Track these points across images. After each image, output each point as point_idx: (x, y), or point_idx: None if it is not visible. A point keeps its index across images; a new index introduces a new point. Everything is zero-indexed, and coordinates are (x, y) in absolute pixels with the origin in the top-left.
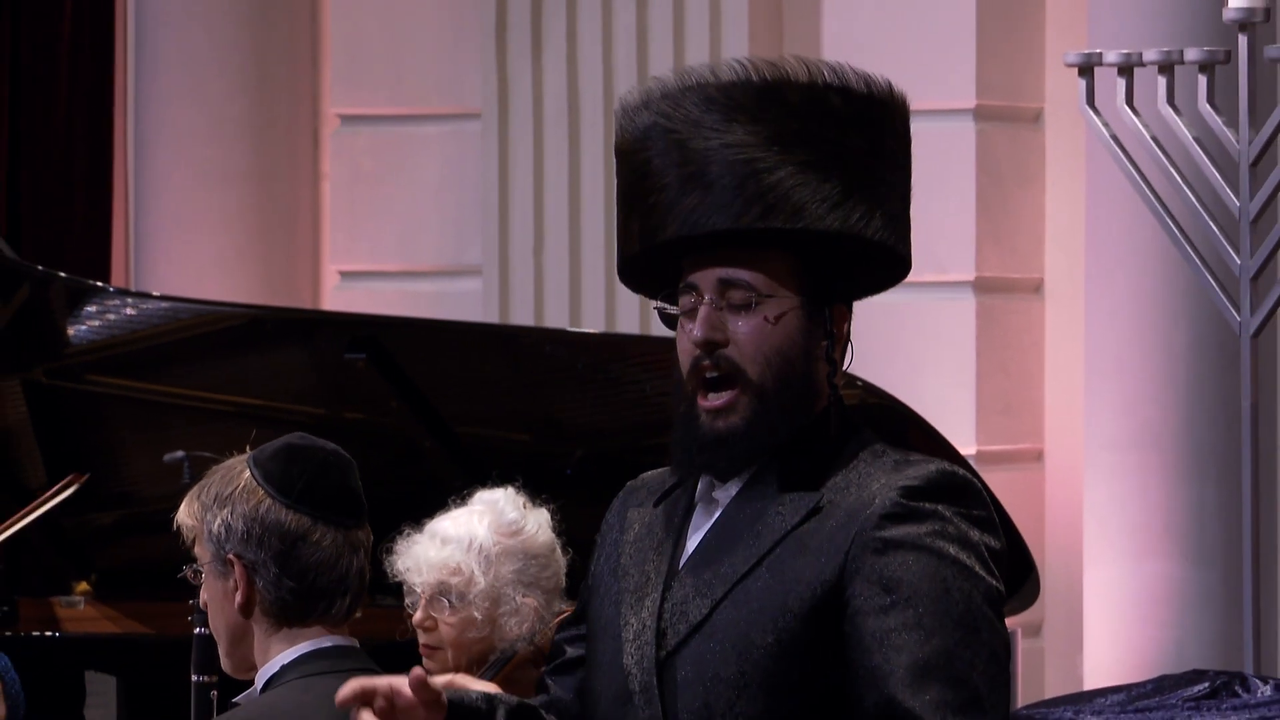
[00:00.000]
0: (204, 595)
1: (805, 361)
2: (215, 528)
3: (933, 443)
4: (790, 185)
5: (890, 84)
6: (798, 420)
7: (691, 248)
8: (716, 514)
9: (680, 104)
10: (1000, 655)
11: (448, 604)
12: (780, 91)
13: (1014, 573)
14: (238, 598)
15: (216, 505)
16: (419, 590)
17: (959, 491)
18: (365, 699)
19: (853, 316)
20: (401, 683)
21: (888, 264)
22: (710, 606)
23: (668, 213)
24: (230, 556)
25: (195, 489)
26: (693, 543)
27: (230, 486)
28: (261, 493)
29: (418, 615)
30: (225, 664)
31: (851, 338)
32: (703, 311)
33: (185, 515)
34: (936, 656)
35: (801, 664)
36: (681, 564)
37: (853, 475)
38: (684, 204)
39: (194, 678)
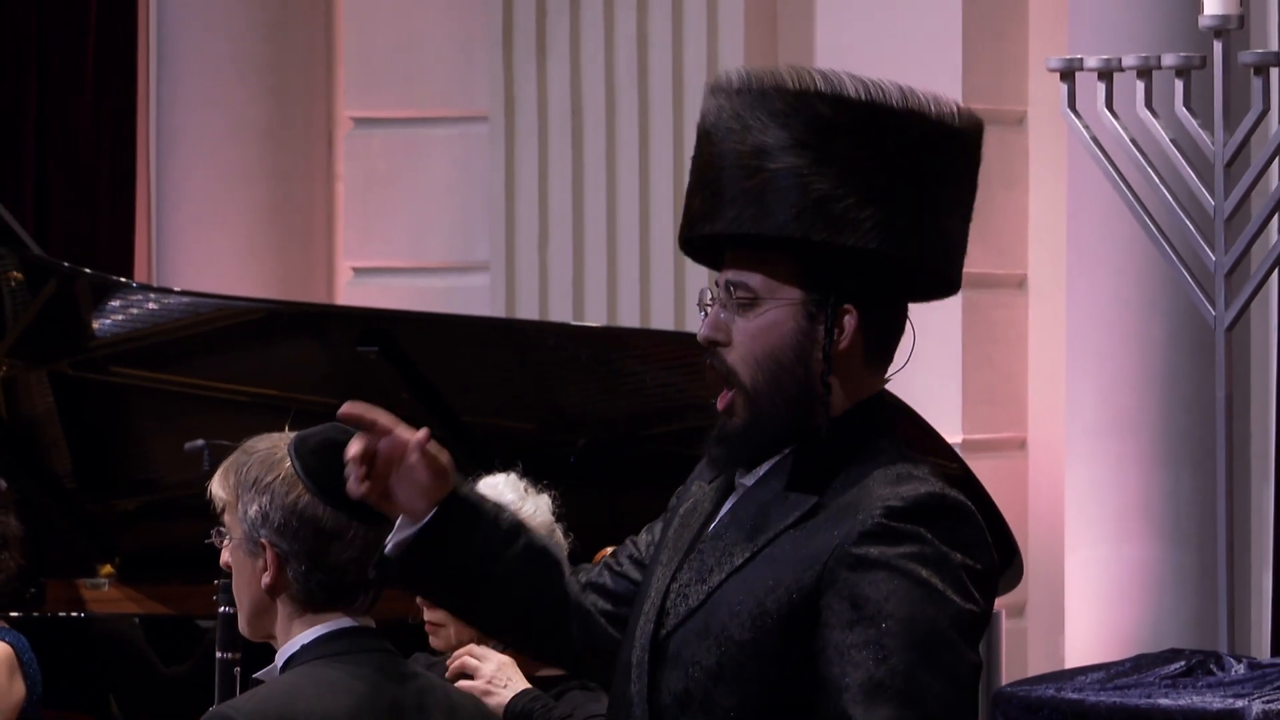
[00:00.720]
0: (225, 557)
1: (801, 363)
2: (252, 511)
3: (923, 433)
4: (780, 188)
5: (900, 92)
6: (799, 419)
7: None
8: (733, 502)
9: (725, 102)
10: (961, 679)
11: None
12: (772, 100)
13: (999, 556)
14: (265, 579)
15: (255, 490)
16: None
17: (945, 514)
18: (365, 426)
19: (907, 320)
20: (405, 435)
21: (904, 275)
22: (705, 594)
23: (686, 210)
24: (263, 542)
25: (233, 463)
26: (712, 527)
27: (271, 474)
28: (301, 487)
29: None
30: (243, 628)
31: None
32: (710, 311)
33: (219, 488)
34: (893, 677)
35: (776, 664)
36: (697, 546)
37: (855, 483)
38: (693, 205)
39: (218, 654)
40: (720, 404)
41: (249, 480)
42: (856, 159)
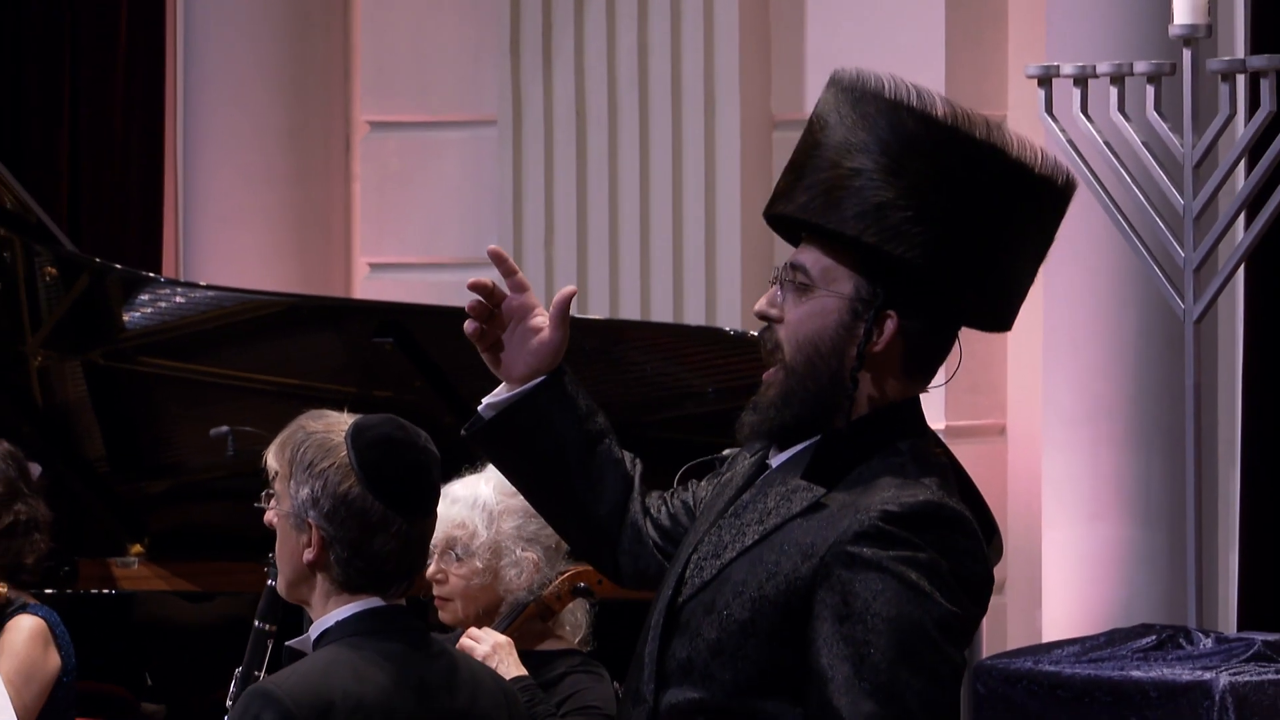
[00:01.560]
0: (270, 518)
1: (836, 355)
2: (303, 493)
3: None
4: (849, 187)
5: (986, 125)
6: (826, 407)
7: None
8: (759, 482)
9: (833, 95)
10: (942, 678)
11: (455, 556)
12: (868, 103)
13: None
14: (308, 555)
15: (309, 474)
16: (432, 546)
17: (941, 523)
18: (505, 271)
19: (955, 340)
20: (525, 307)
21: (951, 295)
22: (717, 570)
23: (776, 186)
24: (310, 522)
25: (290, 439)
26: (736, 503)
27: (326, 460)
28: (354, 478)
29: (430, 569)
30: (281, 590)
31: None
32: (773, 288)
33: (274, 459)
34: (876, 673)
35: (770, 647)
36: (719, 521)
37: (864, 481)
38: (780, 184)
39: (256, 622)
40: (764, 376)
41: (304, 462)
42: (926, 176)
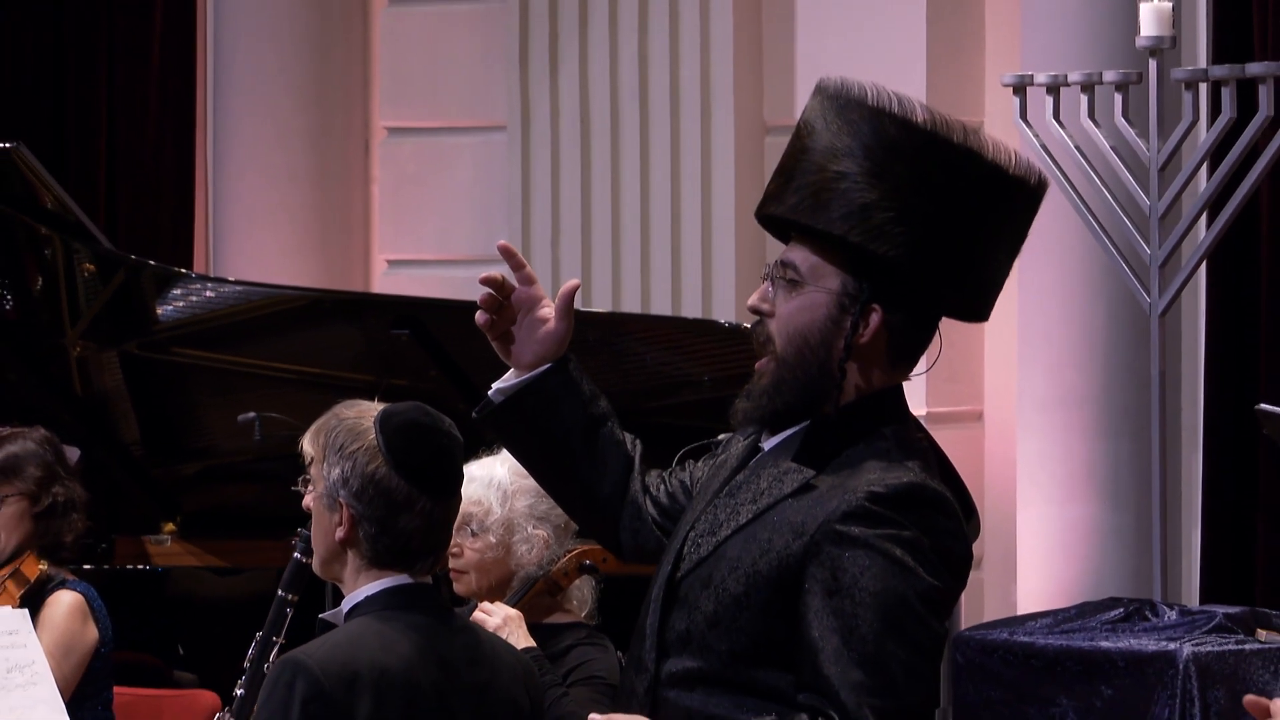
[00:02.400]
0: (308, 502)
1: (825, 346)
2: (335, 474)
3: None
4: (835, 189)
5: (963, 131)
6: (815, 395)
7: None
8: (752, 464)
9: (819, 102)
10: (924, 649)
11: (470, 532)
12: (852, 109)
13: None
14: (339, 533)
15: (340, 455)
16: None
17: (923, 504)
18: (514, 265)
19: (936, 330)
20: (533, 299)
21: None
22: (713, 547)
23: (766, 189)
24: (341, 501)
25: (324, 425)
26: (731, 483)
27: (356, 443)
28: (381, 459)
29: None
30: (316, 568)
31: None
32: (764, 284)
33: (309, 444)
34: (863, 643)
35: (763, 617)
36: (714, 500)
37: (851, 464)
38: (770, 186)
39: (279, 591)
40: (757, 366)
41: (335, 445)
42: (907, 179)
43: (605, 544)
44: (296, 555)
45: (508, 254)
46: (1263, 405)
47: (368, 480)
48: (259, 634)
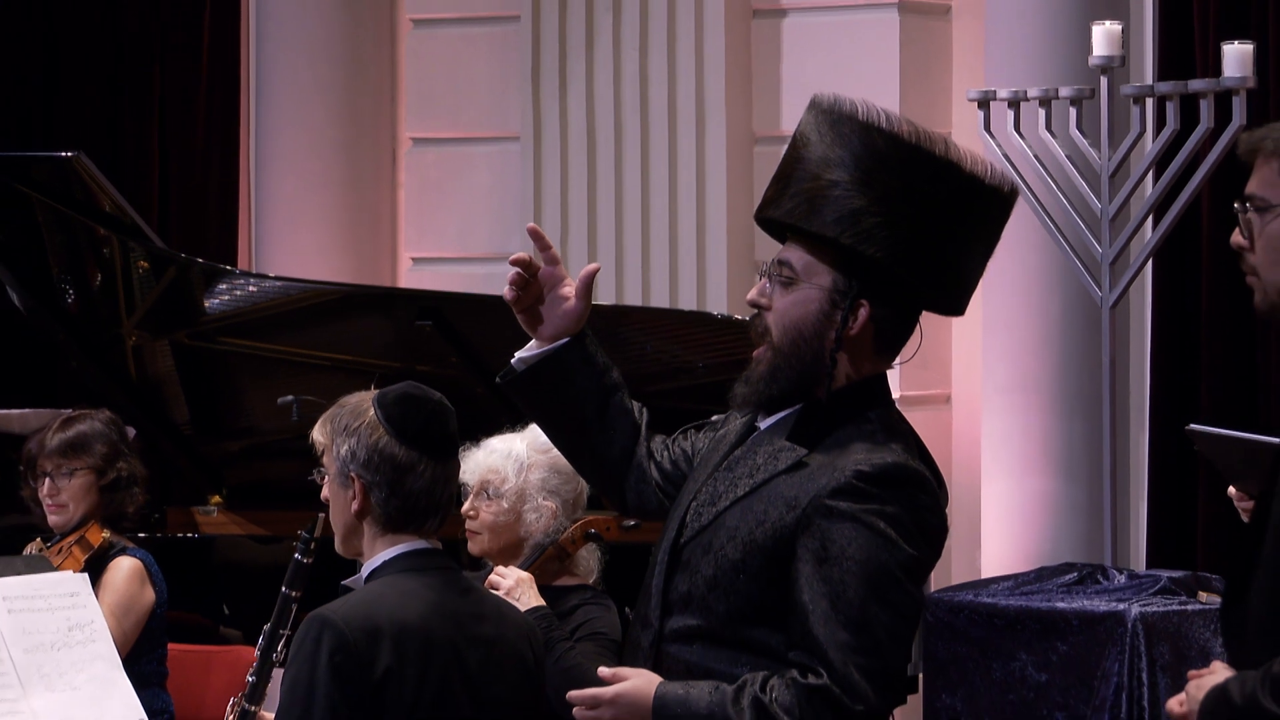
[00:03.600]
0: (326, 493)
1: (818, 337)
2: (343, 450)
3: None
4: (828, 196)
5: (944, 144)
6: (808, 382)
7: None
8: (749, 442)
9: (813, 116)
10: (905, 612)
11: (487, 496)
12: (844, 124)
13: None
14: (354, 506)
15: (345, 433)
16: (469, 484)
17: (905, 482)
18: (541, 246)
19: (917, 324)
20: (557, 277)
21: (913, 287)
22: (713, 516)
23: (764, 194)
24: (352, 474)
25: (330, 414)
26: (730, 458)
27: (358, 420)
28: (382, 430)
29: (466, 505)
30: (338, 547)
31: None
32: (761, 280)
33: (319, 434)
34: (849, 607)
35: (758, 583)
36: (715, 473)
37: (840, 445)
38: (768, 192)
39: (283, 589)
40: (754, 354)
41: (341, 426)
42: (894, 188)
43: (611, 500)
44: (297, 556)
45: (536, 236)
46: (1193, 426)
47: (373, 450)
48: (266, 627)
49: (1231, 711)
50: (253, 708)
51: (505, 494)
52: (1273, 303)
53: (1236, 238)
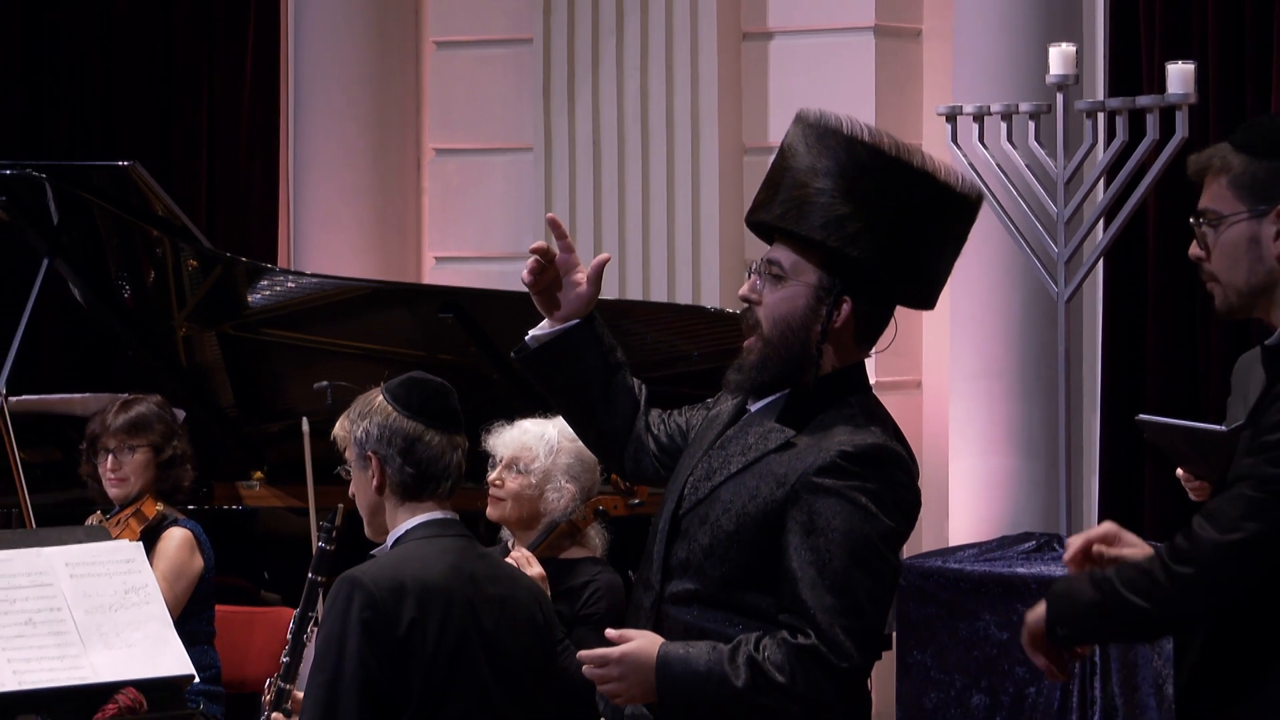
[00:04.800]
0: (352, 487)
1: (805, 330)
2: (359, 433)
3: None
4: (815, 203)
5: (921, 157)
6: (795, 370)
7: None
8: (741, 422)
9: (800, 129)
10: (884, 578)
11: (517, 469)
12: (830, 137)
13: None
14: (374, 481)
15: (359, 418)
16: (500, 456)
17: (885, 461)
18: (558, 235)
19: (892, 317)
20: (571, 264)
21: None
22: (709, 490)
23: (754, 199)
24: (369, 453)
25: (346, 413)
26: (723, 437)
27: (369, 406)
28: (390, 409)
29: (494, 474)
30: (367, 531)
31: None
32: (751, 277)
33: (339, 430)
34: (834, 574)
35: (750, 551)
36: (710, 450)
37: (825, 427)
38: (758, 196)
39: (310, 575)
40: (745, 344)
41: (355, 414)
42: (874, 195)
43: (611, 466)
44: (320, 544)
45: (555, 226)
46: (1142, 416)
47: (384, 427)
48: (295, 611)
49: (1080, 603)
50: (288, 686)
51: (533, 471)
52: (1232, 303)
53: (1194, 250)
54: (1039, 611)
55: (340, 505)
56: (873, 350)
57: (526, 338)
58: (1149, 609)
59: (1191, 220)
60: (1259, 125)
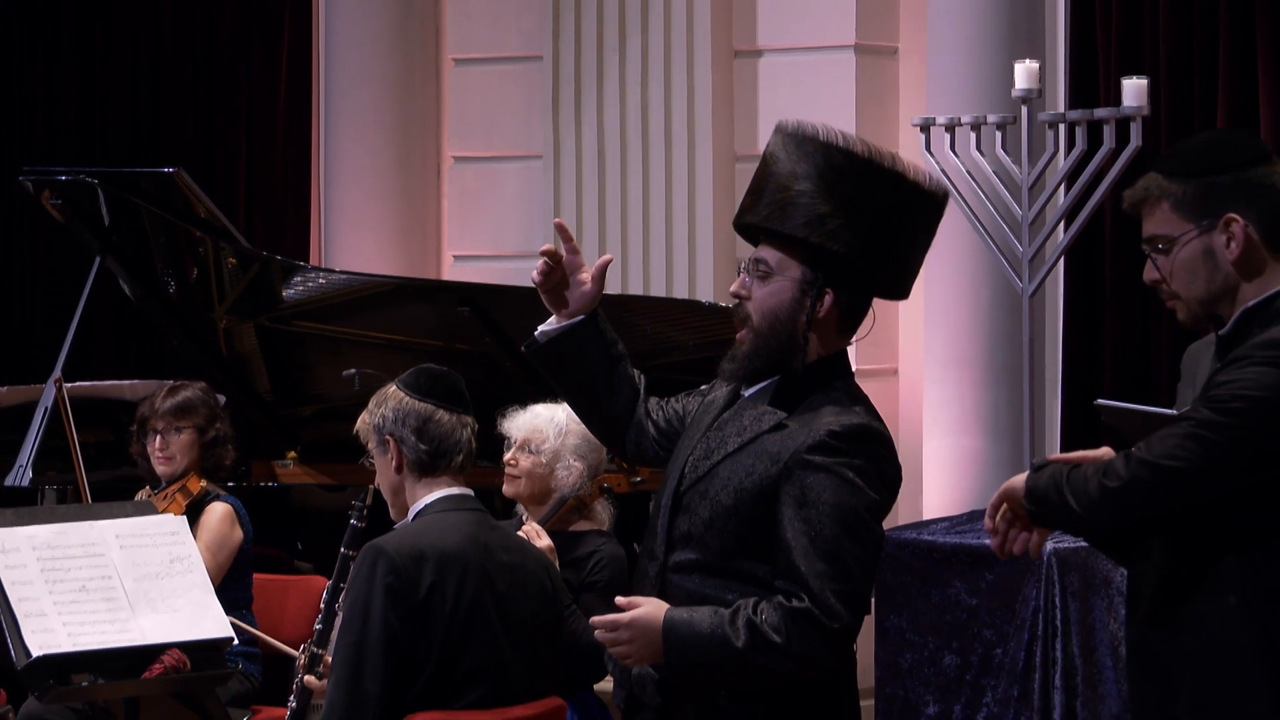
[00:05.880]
0: (378, 480)
1: (792, 321)
2: (376, 420)
3: None
4: (797, 204)
5: (891, 158)
6: (784, 358)
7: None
8: (735, 407)
9: (781, 139)
10: (870, 547)
11: (530, 450)
12: (808, 144)
13: None
14: (393, 462)
15: (376, 407)
16: (514, 438)
17: (869, 440)
18: (565, 239)
19: (870, 307)
20: (576, 265)
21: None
22: (708, 468)
23: (741, 204)
24: (386, 436)
25: (367, 407)
26: (719, 419)
27: (383, 395)
28: (403, 395)
29: (509, 454)
30: (391, 512)
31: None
32: (741, 275)
33: (361, 424)
34: (825, 543)
35: (748, 523)
36: (707, 432)
37: (814, 409)
38: (744, 201)
39: (343, 550)
40: (737, 336)
41: (373, 405)
42: (851, 195)
43: (613, 448)
44: (353, 521)
45: (561, 230)
46: (1100, 401)
47: (398, 411)
48: (329, 582)
49: (1041, 493)
50: (320, 651)
51: (544, 451)
52: (1196, 314)
53: (1149, 274)
54: (1019, 481)
55: (370, 485)
56: (853, 338)
57: (536, 333)
58: (1077, 512)
59: (1144, 248)
60: (1181, 151)
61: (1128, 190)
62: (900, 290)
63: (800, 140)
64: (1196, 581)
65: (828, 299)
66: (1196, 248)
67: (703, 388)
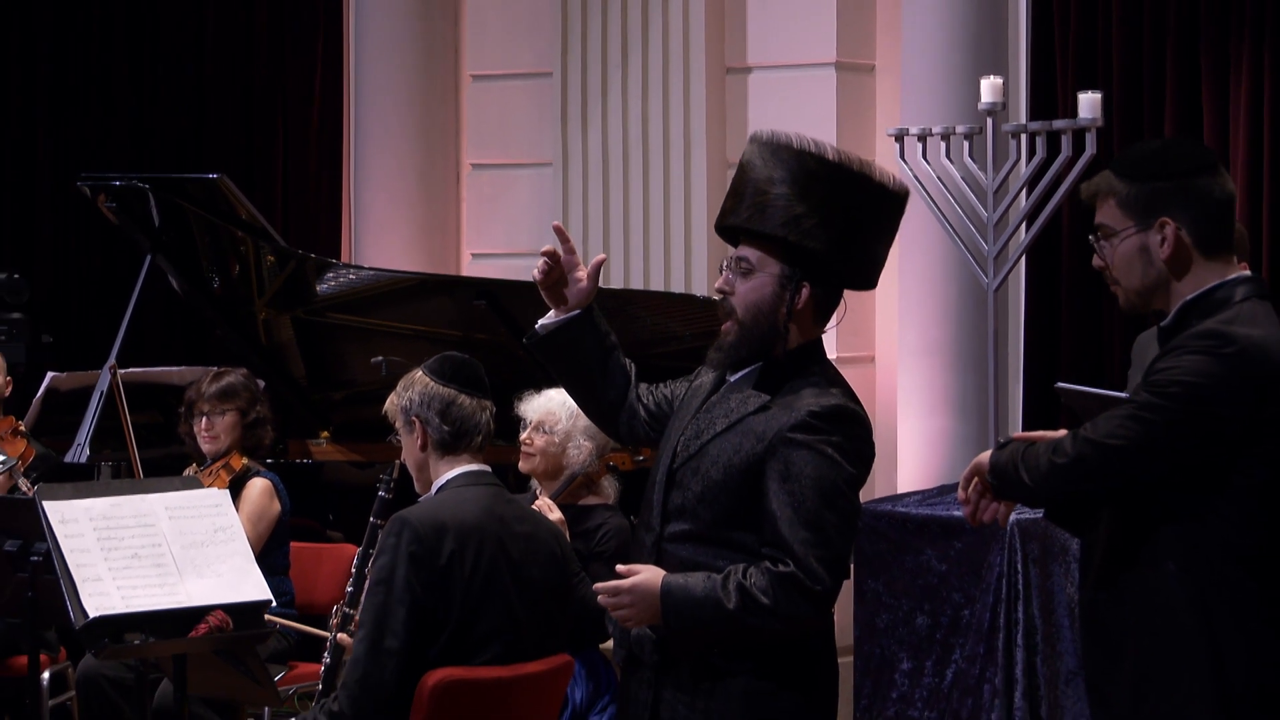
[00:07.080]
0: (404, 456)
1: (773, 312)
2: (404, 403)
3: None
4: (774, 206)
5: (859, 162)
6: (767, 346)
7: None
8: (722, 391)
9: (757, 147)
10: (849, 517)
11: (544, 430)
12: (782, 151)
13: None
14: (418, 441)
15: (403, 390)
16: (530, 419)
17: (847, 419)
18: (562, 240)
19: (842, 298)
20: (573, 264)
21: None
22: (699, 447)
23: (721, 209)
24: (413, 417)
25: (394, 392)
26: (707, 403)
27: (410, 380)
28: (428, 380)
29: (525, 434)
30: (416, 486)
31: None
32: (725, 273)
33: (389, 406)
34: (807, 513)
35: (736, 496)
36: (697, 414)
37: (795, 392)
38: (724, 205)
39: (371, 519)
40: (723, 328)
41: (400, 388)
42: (824, 197)
43: (607, 431)
44: (381, 493)
45: (560, 233)
46: (1060, 384)
47: (424, 394)
48: (359, 549)
49: (1004, 471)
50: (351, 611)
51: (557, 431)
52: (1133, 302)
53: (1096, 261)
54: (986, 457)
55: (396, 461)
56: (827, 326)
57: (536, 326)
58: (1029, 485)
59: (1091, 237)
60: (1134, 154)
61: (1085, 183)
62: (869, 281)
63: (775, 148)
64: (1139, 549)
65: (805, 292)
66: (1134, 243)
67: (690, 375)
